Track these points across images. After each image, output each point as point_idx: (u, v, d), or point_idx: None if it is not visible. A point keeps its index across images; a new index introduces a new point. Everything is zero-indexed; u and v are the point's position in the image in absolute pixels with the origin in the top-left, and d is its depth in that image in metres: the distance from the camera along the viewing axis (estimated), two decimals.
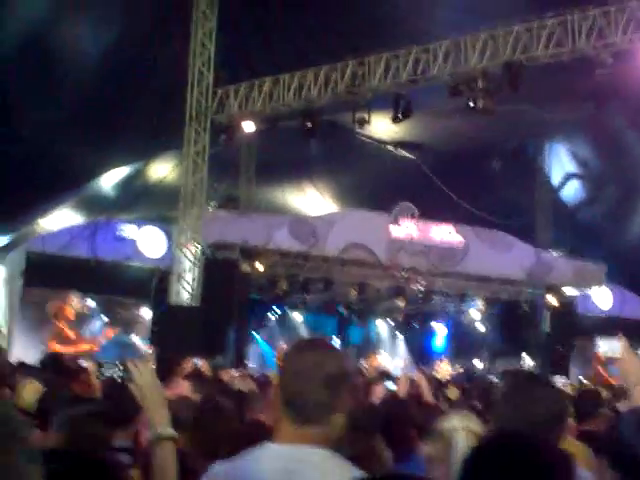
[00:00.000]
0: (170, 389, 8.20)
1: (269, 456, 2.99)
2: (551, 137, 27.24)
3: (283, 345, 29.25)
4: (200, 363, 13.46)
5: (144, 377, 3.48)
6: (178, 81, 20.84)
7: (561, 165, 28.93)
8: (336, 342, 32.90)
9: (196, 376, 8.35)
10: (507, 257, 26.30)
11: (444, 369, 30.22)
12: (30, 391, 7.02)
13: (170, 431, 3.40)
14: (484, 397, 10.41)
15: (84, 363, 12.34)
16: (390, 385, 12.16)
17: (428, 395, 8.33)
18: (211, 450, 4.34)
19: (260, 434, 3.28)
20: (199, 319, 21.21)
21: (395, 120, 19.46)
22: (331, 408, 2.97)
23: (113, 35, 20.58)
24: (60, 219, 25.58)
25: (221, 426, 4.87)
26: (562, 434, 3.46)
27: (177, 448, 3.64)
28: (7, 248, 24.00)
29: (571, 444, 5.45)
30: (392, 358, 33.15)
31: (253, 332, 29.68)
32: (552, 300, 27.82)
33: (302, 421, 2.97)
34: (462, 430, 3.92)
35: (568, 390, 13.49)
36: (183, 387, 7.91)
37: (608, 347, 24.49)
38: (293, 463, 2.92)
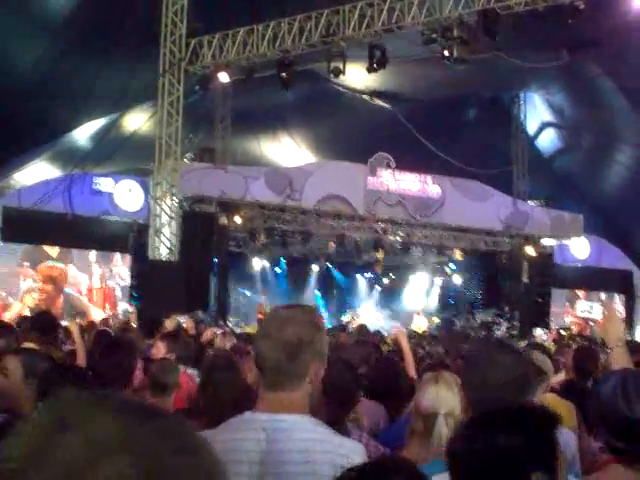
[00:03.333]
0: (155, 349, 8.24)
1: (248, 426, 3.00)
2: (527, 86, 27.19)
3: (262, 301, 29.49)
4: (183, 320, 13.45)
5: None
6: (152, 31, 20.64)
7: (537, 114, 28.92)
8: (317, 295, 33.16)
9: (171, 336, 8.31)
10: (484, 207, 26.38)
11: (421, 322, 30.52)
12: None
13: None
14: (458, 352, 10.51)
15: None
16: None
17: (408, 353, 8.40)
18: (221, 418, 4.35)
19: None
20: (180, 274, 21.20)
21: (370, 70, 19.38)
22: (295, 375, 2.98)
23: None
24: (35, 173, 25.47)
25: (228, 393, 4.82)
26: (529, 397, 3.48)
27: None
28: None
29: (552, 401, 5.54)
30: (370, 312, 33.40)
31: (235, 287, 29.77)
32: (530, 250, 27.96)
33: (273, 386, 2.99)
34: (443, 416, 3.95)
35: (549, 342, 13.52)
36: (159, 348, 7.89)
37: (586, 307, 24.78)
38: (271, 432, 2.94)
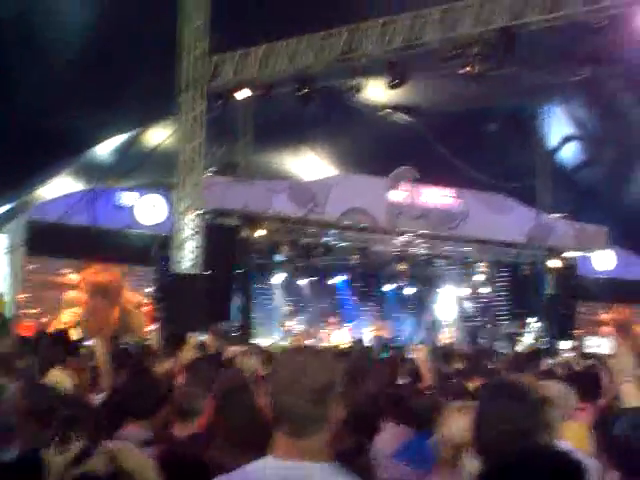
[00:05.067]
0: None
1: (271, 472, 2.97)
2: (548, 100, 27.10)
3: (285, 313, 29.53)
4: (204, 338, 13.33)
5: (131, 461, 3.44)
6: (174, 47, 20.80)
7: (559, 127, 28.80)
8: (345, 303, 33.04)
9: (190, 368, 8.34)
10: (507, 220, 26.33)
11: (446, 335, 30.53)
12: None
13: None
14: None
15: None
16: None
17: (426, 375, 8.47)
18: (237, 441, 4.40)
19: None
20: (203, 287, 21.25)
21: (391, 87, 19.44)
22: (321, 420, 2.96)
23: (105, 3, 20.55)
24: (59, 187, 25.67)
25: (243, 416, 4.78)
26: (541, 438, 3.50)
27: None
28: (7, 217, 24.13)
29: (570, 428, 5.54)
30: (394, 325, 33.35)
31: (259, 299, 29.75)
32: (553, 263, 27.85)
33: (295, 435, 2.96)
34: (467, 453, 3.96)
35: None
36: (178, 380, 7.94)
37: (592, 343, 24.65)
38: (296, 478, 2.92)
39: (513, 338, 29.49)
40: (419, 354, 9.20)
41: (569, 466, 2.48)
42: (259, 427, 4.01)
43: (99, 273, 22.42)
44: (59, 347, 9.57)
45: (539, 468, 2.44)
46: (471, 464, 3.75)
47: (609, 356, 4.70)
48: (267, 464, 3.00)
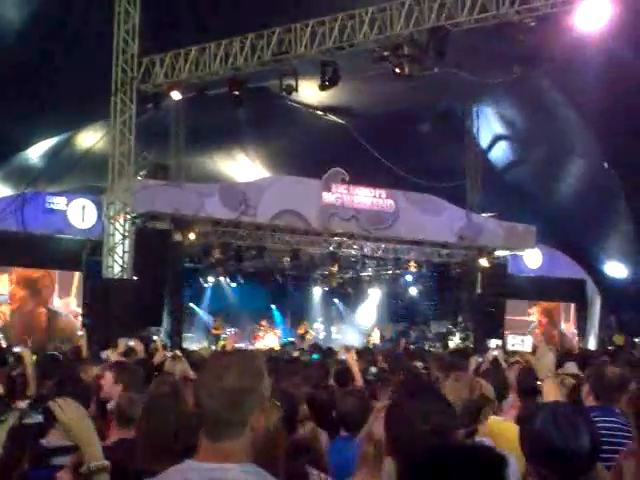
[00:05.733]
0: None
1: (190, 475, 2.94)
2: (478, 100, 27.40)
3: (216, 317, 29.43)
4: (132, 344, 13.24)
5: (69, 413, 3.43)
6: (104, 50, 20.57)
7: (489, 127, 29.17)
8: (274, 311, 33.13)
9: (117, 365, 8.25)
10: (438, 220, 26.53)
11: (375, 335, 30.77)
12: None
13: (103, 463, 3.40)
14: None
15: None
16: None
17: (357, 373, 8.52)
18: (163, 447, 4.31)
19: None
20: (133, 292, 21.06)
21: (323, 87, 19.45)
22: (239, 424, 2.93)
23: (34, 5, 20.22)
24: None
25: (170, 421, 4.65)
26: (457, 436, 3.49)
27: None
28: None
29: (496, 424, 5.60)
30: (325, 326, 33.54)
31: (191, 303, 29.68)
32: (483, 262, 28.16)
33: (214, 438, 2.93)
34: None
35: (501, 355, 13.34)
36: (107, 379, 7.84)
37: (515, 341, 24.99)
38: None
39: (443, 337, 29.82)
40: (349, 356, 9.22)
41: (490, 460, 2.47)
42: (186, 432, 4.00)
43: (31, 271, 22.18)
44: None
45: (460, 463, 2.43)
46: (391, 464, 3.76)
47: (531, 353, 4.89)
48: (188, 466, 2.98)
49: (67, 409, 3.42)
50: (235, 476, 2.91)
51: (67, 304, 22.68)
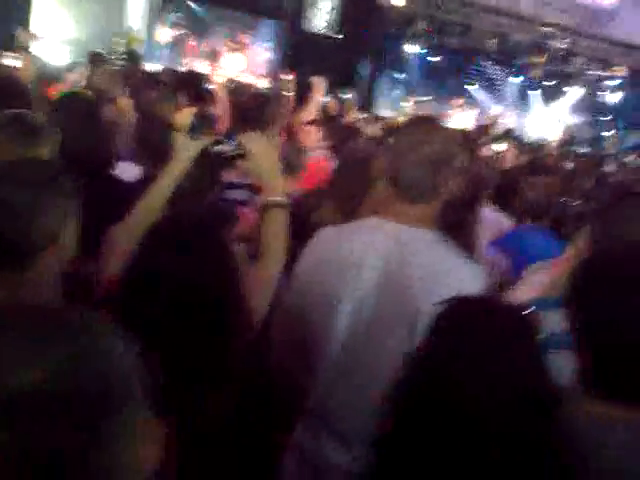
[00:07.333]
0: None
1: (381, 230, 3.02)
2: None
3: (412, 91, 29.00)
4: (327, 100, 12.98)
5: (258, 146, 3.41)
6: None
7: None
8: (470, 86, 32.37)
9: (328, 121, 8.22)
10: None
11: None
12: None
13: (284, 200, 3.35)
14: None
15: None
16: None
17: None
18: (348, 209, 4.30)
19: None
20: (336, 51, 20.79)
21: None
22: (433, 188, 2.98)
23: None
24: None
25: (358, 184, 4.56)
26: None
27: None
28: None
29: None
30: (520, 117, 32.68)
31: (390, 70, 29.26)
32: None
33: (407, 199, 2.99)
34: None
35: None
36: (310, 134, 7.87)
37: None
38: (406, 241, 2.96)
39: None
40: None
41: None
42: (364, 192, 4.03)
43: None
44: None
45: None
46: None
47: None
48: (377, 222, 3.07)
49: (257, 141, 3.46)
50: (422, 238, 2.99)
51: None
